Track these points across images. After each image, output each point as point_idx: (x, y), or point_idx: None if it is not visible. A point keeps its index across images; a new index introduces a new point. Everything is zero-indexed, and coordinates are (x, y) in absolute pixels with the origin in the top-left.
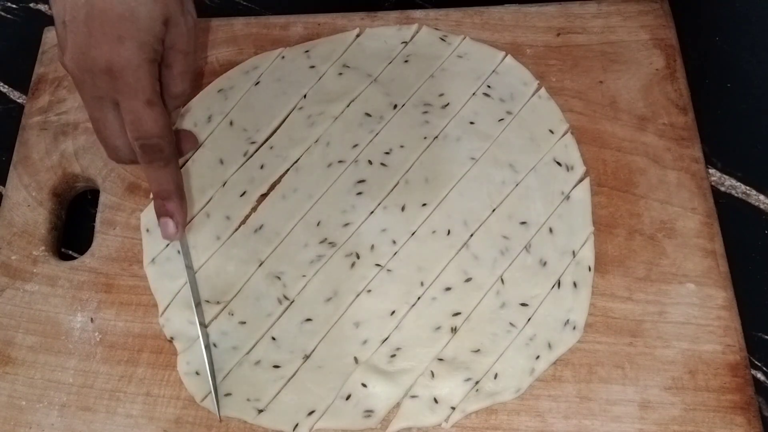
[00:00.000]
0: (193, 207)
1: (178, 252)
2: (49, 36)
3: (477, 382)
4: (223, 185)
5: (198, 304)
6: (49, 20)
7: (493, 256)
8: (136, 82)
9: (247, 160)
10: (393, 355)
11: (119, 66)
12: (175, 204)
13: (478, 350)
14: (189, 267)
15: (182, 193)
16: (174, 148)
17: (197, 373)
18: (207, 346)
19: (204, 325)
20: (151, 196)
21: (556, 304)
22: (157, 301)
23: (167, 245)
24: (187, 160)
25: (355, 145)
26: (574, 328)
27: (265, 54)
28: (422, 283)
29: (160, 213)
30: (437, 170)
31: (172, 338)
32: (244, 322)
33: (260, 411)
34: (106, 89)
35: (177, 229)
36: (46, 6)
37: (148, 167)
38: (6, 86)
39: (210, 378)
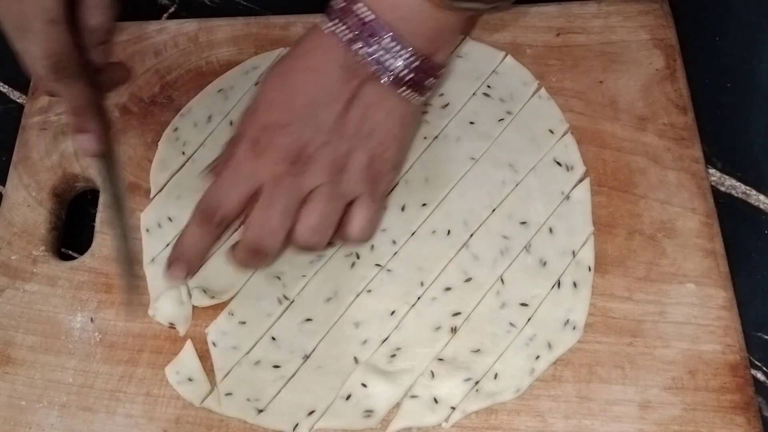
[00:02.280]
0: (193, 207)
1: None
2: None
3: (477, 382)
4: None
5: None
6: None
7: (493, 256)
8: (40, 2)
9: None
10: (393, 355)
11: None
12: (89, 119)
13: (478, 350)
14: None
15: (99, 109)
16: (82, 65)
17: (190, 380)
18: (124, 236)
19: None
20: (153, 196)
21: (556, 304)
22: (151, 301)
23: (167, 245)
24: (187, 160)
25: None
26: (574, 328)
27: (265, 54)
28: (422, 283)
29: (75, 129)
30: (437, 170)
31: (171, 324)
32: (244, 322)
33: (260, 411)
34: (17, 15)
35: (97, 145)
36: None
37: (60, 85)
38: (6, 86)
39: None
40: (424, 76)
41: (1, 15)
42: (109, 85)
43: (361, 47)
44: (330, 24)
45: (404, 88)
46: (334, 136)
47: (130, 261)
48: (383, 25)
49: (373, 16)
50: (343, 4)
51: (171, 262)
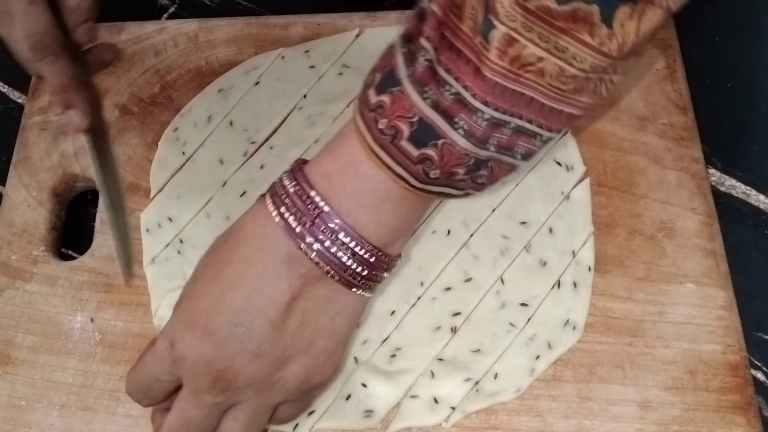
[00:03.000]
0: (193, 207)
1: (179, 252)
2: None
3: (477, 382)
4: (223, 185)
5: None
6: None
7: (493, 256)
8: None
9: (247, 160)
10: (393, 355)
11: None
12: (73, 94)
13: (478, 350)
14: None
15: (82, 86)
16: (60, 43)
17: None
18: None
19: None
20: (153, 196)
21: (556, 304)
22: (152, 301)
23: (167, 246)
24: (187, 160)
25: None
26: (574, 328)
27: (265, 54)
28: (422, 283)
29: (63, 106)
30: None
31: None
32: None
33: None
34: (1, 1)
35: (82, 118)
36: None
37: (42, 65)
38: (6, 86)
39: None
40: (379, 271)
41: None
42: (98, 65)
43: (309, 242)
44: (274, 209)
45: (355, 285)
46: (267, 347)
47: (125, 234)
48: (339, 217)
49: (327, 208)
50: (294, 187)
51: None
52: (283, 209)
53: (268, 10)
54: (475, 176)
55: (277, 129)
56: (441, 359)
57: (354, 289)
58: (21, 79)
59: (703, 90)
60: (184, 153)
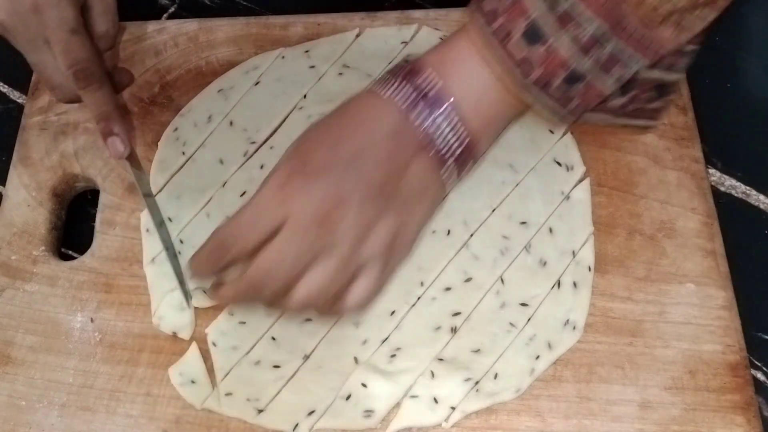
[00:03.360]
0: (193, 207)
1: (179, 253)
2: None
3: (477, 382)
4: (223, 185)
5: (161, 224)
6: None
7: (493, 256)
8: (60, 13)
9: (247, 160)
10: (393, 355)
11: (43, 1)
12: (117, 123)
13: (478, 350)
14: (147, 195)
15: (122, 113)
16: (104, 71)
17: (192, 382)
18: (174, 256)
19: (170, 246)
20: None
21: (556, 304)
22: (152, 301)
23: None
24: (187, 160)
25: None
26: (574, 328)
27: (265, 54)
28: (422, 283)
29: (105, 133)
30: None
31: (174, 333)
32: (244, 322)
33: (260, 411)
34: (36, 27)
35: (125, 147)
36: None
37: (85, 93)
38: (6, 86)
39: (179, 283)
40: (465, 160)
41: (15, 28)
42: (116, 89)
43: (420, 115)
44: (390, 87)
45: (448, 166)
46: (370, 197)
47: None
48: (449, 95)
49: (441, 83)
50: (410, 66)
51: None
52: (397, 85)
53: (268, 10)
54: (569, 90)
55: (277, 129)
56: (441, 359)
57: (442, 171)
58: (21, 79)
59: (703, 90)
60: (184, 153)
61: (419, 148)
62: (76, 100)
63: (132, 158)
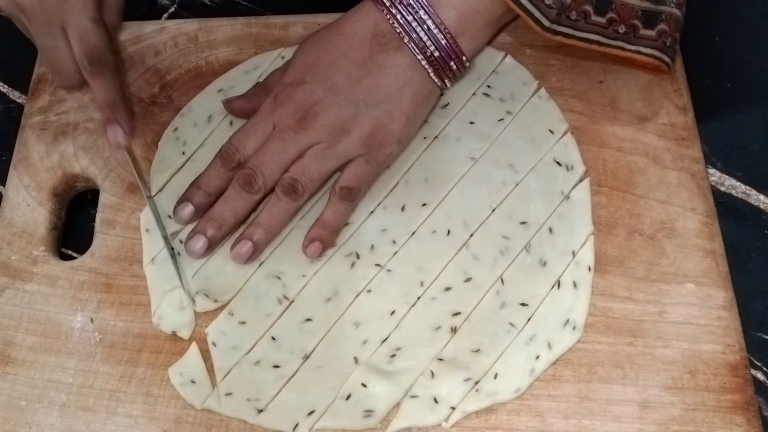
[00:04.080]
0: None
1: (179, 253)
2: None
3: (477, 382)
4: None
5: (159, 221)
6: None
7: (493, 256)
8: (83, 1)
9: None
10: (393, 355)
11: None
12: (121, 112)
13: (478, 350)
14: (149, 197)
15: (126, 104)
16: (115, 61)
17: (192, 382)
18: (173, 256)
19: (167, 239)
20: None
21: (555, 304)
22: (152, 301)
23: (166, 245)
24: (187, 160)
25: None
26: (574, 328)
27: (265, 54)
28: (422, 283)
29: (109, 121)
30: (437, 170)
31: (174, 332)
32: (244, 322)
33: (260, 411)
34: (55, 11)
35: (125, 137)
36: None
37: (95, 79)
38: (6, 86)
39: (180, 282)
40: (447, 57)
41: (35, 10)
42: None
43: (394, 12)
44: None
45: (426, 63)
46: (344, 98)
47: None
48: None
49: None
50: None
51: (181, 201)
52: None
53: (268, 10)
54: None
55: None
56: (441, 359)
57: (425, 65)
58: (21, 79)
59: (703, 90)
60: (184, 153)
61: (398, 43)
62: (79, 87)
63: (132, 158)
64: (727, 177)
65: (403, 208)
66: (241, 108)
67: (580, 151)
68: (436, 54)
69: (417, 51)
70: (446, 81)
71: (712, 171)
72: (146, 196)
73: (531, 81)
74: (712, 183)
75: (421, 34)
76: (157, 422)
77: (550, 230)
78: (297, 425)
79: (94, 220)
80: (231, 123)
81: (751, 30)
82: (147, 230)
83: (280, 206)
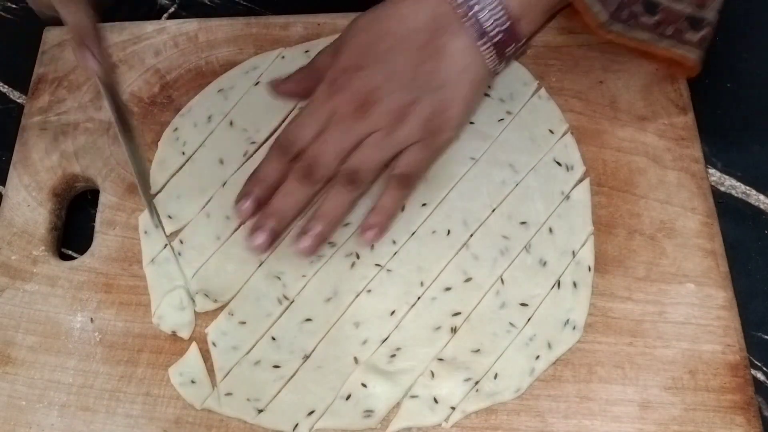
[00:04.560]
0: (193, 207)
1: (179, 254)
2: (49, 36)
3: (477, 382)
4: (223, 185)
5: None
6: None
7: (493, 256)
8: None
9: (247, 160)
10: (393, 355)
11: None
12: (91, 38)
13: (478, 350)
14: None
15: (98, 32)
16: None
17: (192, 382)
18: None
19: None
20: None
21: (556, 304)
22: (152, 301)
23: (165, 246)
24: (187, 160)
25: None
26: (574, 328)
27: (265, 54)
28: (422, 283)
29: (80, 47)
30: (437, 170)
31: (174, 332)
32: (244, 322)
33: (260, 411)
34: None
35: (97, 63)
36: None
37: (65, 7)
38: (6, 86)
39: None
40: (508, 40)
41: None
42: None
43: None
44: None
45: (487, 47)
46: (403, 84)
47: (144, 175)
48: None
49: None
50: None
51: (242, 196)
52: None
53: (268, 10)
54: None
55: (277, 129)
56: (441, 359)
57: (483, 49)
58: (21, 79)
59: (703, 90)
60: (184, 153)
61: (458, 27)
62: (51, 11)
63: (109, 83)
64: (727, 177)
65: (403, 208)
66: (291, 91)
67: (580, 151)
68: (496, 38)
69: (477, 35)
70: (502, 65)
71: (712, 171)
72: (143, 194)
73: (531, 81)
74: (712, 183)
75: (482, 16)
76: (157, 422)
77: (550, 230)
78: (297, 425)
79: (94, 220)
80: (231, 123)
81: (751, 30)
82: (146, 232)
83: (341, 197)
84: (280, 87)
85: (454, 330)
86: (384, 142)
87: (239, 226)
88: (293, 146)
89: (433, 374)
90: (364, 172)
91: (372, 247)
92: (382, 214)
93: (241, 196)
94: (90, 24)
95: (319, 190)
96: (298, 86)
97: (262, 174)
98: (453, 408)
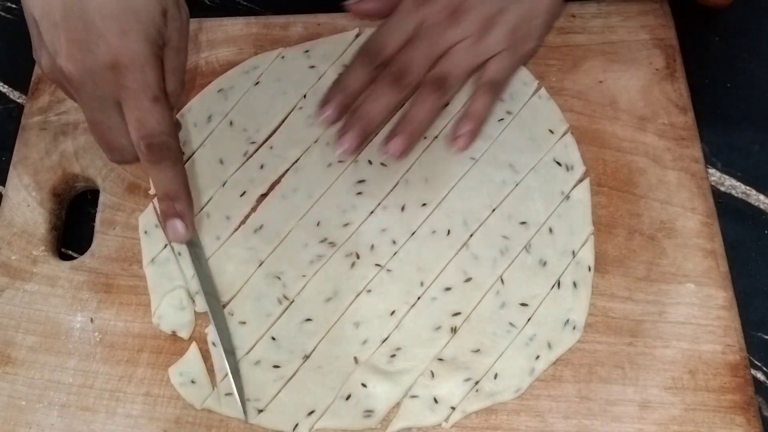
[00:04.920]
0: (193, 207)
1: (179, 254)
2: None
3: (477, 382)
4: (223, 185)
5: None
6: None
7: (493, 256)
8: (144, 77)
9: (247, 160)
10: (393, 355)
11: (126, 61)
12: (183, 204)
13: (478, 350)
14: (208, 293)
15: (189, 191)
16: (179, 147)
17: (192, 382)
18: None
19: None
20: (153, 194)
21: (556, 304)
22: (152, 301)
23: (165, 246)
24: (187, 160)
25: None
26: (574, 328)
27: (265, 54)
28: (422, 283)
29: (169, 214)
30: (437, 170)
31: (174, 332)
32: (244, 322)
33: (260, 411)
34: (110, 87)
35: (186, 230)
36: None
37: (154, 167)
38: (6, 86)
39: (236, 393)
40: None
41: (84, 84)
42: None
43: None
44: None
45: None
46: None
47: (233, 355)
48: None
49: None
50: None
51: (324, 102)
52: None
53: (268, 10)
54: None
55: (277, 129)
56: (441, 359)
57: None
58: (21, 79)
59: (703, 90)
60: (183, 153)
61: None
62: (133, 163)
63: (194, 241)
64: (727, 177)
65: (403, 208)
66: (375, 9)
67: (580, 151)
68: None
69: None
70: None
71: (712, 171)
72: (209, 297)
73: (531, 81)
74: (712, 183)
75: None
76: (157, 422)
77: (550, 230)
78: (297, 425)
79: (94, 220)
80: (231, 123)
81: (751, 30)
82: (146, 232)
83: (430, 102)
84: (361, 7)
85: (454, 330)
86: (473, 49)
87: (239, 226)
88: (379, 54)
89: (433, 374)
90: (453, 78)
91: (372, 247)
92: (473, 120)
93: (324, 103)
94: (182, 187)
95: (405, 97)
96: (380, 4)
97: (345, 81)
98: (453, 408)
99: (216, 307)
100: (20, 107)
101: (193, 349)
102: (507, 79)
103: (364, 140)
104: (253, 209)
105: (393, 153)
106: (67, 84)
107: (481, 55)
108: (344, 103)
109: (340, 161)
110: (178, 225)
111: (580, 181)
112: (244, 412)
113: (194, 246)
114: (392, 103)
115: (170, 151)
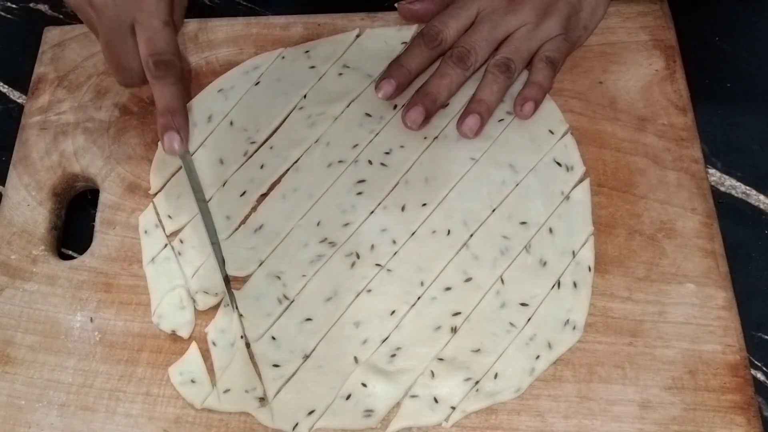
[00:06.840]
0: (193, 207)
1: (179, 254)
2: (49, 36)
3: (477, 382)
4: (223, 185)
5: (214, 238)
6: (50, 20)
7: (493, 256)
8: (157, 2)
9: (247, 160)
10: (393, 355)
11: None
12: (181, 119)
13: (478, 350)
14: (201, 200)
15: (186, 109)
16: (180, 66)
17: (192, 381)
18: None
19: (217, 245)
20: (153, 194)
21: (556, 304)
22: (152, 300)
23: (165, 245)
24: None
25: (355, 145)
26: (574, 328)
27: (265, 54)
28: (422, 283)
29: (167, 127)
30: (437, 170)
31: (173, 331)
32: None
33: (261, 399)
34: (127, 9)
35: (182, 142)
36: (46, 6)
37: (159, 82)
38: (6, 86)
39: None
40: None
41: (106, 7)
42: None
43: None
44: None
45: None
46: None
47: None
48: None
49: None
50: None
51: (382, 79)
52: None
53: (268, 10)
54: None
55: (277, 129)
56: (441, 359)
57: None
58: (21, 79)
59: (703, 90)
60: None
61: None
62: (139, 85)
63: (187, 158)
64: (727, 177)
65: (403, 208)
66: (424, 9)
67: (580, 152)
68: None
69: None
70: None
71: (712, 171)
72: (199, 200)
73: None
74: (712, 183)
75: None
76: (157, 422)
77: (550, 230)
78: (297, 425)
79: (94, 220)
80: (231, 123)
81: (751, 30)
82: (146, 232)
83: (498, 83)
84: (409, 8)
85: (454, 330)
86: (532, 34)
87: (239, 225)
88: (439, 36)
89: (433, 374)
90: (516, 61)
91: (372, 247)
92: (536, 89)
93: (381, 79)
94: (181, 104)
95: (467, 78)
96: (429, 5)
97: (405, 60)
98: (453, 408)
99: (203, 207)
100: (20, 107)
101: (193, 349)
102: (563, 57)
103: (430, 115)
104: (254, 209)
105: (469, 130)
106: (89, 8)
107: (539, 39)
108: (402, 81)
109: (340, 161)
110: (176, 137)
111: (580, 181)
112: (232, 304)
113: (186, 159)
114: (456, 81)
115: (174, 69)
